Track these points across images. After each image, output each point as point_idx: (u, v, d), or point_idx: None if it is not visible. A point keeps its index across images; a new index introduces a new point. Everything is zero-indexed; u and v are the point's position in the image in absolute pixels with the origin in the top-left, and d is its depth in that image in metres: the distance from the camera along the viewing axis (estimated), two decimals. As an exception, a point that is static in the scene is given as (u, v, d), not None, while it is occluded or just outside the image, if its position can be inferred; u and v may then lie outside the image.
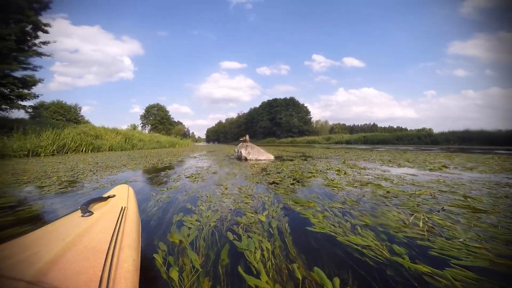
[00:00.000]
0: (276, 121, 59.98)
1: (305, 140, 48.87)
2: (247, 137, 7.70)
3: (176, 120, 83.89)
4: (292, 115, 59.72)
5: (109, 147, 15.25)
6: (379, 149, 14.35)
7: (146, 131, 51.55)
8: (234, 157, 7.65)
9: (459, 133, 32.03)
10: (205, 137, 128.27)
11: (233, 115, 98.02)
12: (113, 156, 8.89)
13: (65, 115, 39.95)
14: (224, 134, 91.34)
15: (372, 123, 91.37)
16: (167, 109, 59.31)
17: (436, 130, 39.05)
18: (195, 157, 8.42)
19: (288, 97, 62.46)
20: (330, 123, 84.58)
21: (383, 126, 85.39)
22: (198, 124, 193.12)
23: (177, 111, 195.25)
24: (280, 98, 63.20)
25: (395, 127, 79.66)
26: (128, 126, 35.90)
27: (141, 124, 57.34)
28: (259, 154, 7.05)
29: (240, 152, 7.17)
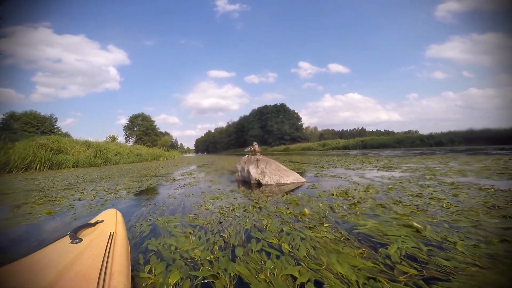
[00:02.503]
0: (268, 129, 57.73)
1: (299, 147, 46.58)
2: (256, 146, 4.94)
3: (163, 131, 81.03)
4: (284, 122, 57.74)
5: (73, 163, 13.14)
6: (388, 154, 12.05)
7: (131, 143, 48.36)
8: (237, 178, 4.80)
9: (463, 133, 30.55)
10: (194, 148, 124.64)
11: (223, 124, 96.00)
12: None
13: (38, 126, 36.32)
14: (213, 144, 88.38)
15: (360, 128, 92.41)
16: (152, 119, 55.91)
17: (422, 132, 39.04)
18: (174, 179, 5.50)
19: (278, 104, 60.52)
20: (319, 129, 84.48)
21: (371, 130, 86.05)
22: (187, 134, 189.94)
23: (165, 121, 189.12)
24: (270, 105, 61.29)
25: (382, 130, 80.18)
26: (106, 137, 32.46)
27: (125, 136, 53.55)
28: (280, 173, 4.25)
29: (248, 170, 4.34)
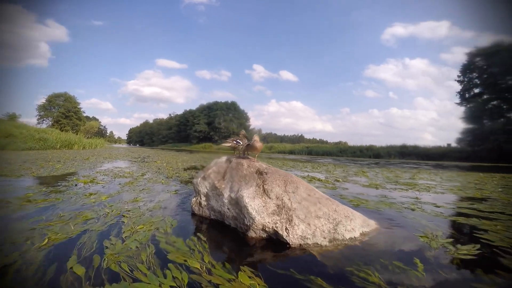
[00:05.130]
0: (215, 126, 54.04)
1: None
2: (257, 140, 2.11)
3: (91, 116, 68.68)
4: (233, 121, 54.96)
5: None
6: (347, 164, 10.92)
7: (44, 126, 38.40)
8: (196, 210, 1.95)
9: (398, 148, 33.03)
10: (126, 138, 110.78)
11: (164, 116, 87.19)
12: None
13: None
14: (150, 135, 79.43)
15: (299, 134, 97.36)
16: (78, 101, 46.28)
17: (350, 144, 42.18)
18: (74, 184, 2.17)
19: (230, 102, 57.66)
20: (263, 132, 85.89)
21: (308, 138, 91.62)
22: (121, 123, 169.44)
23: (96, 106, 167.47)
24: (221, 102, 57.75)
25: (317, 139, 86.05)
26: (2, 115, 24.34)
27: (38, 117, 42.62)
28: (329, 210, 1.63)
29: (238, 198, 1.63)
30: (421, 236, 1.79)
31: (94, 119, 66.90)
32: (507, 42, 23.87)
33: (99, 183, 3.66)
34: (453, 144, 30.57)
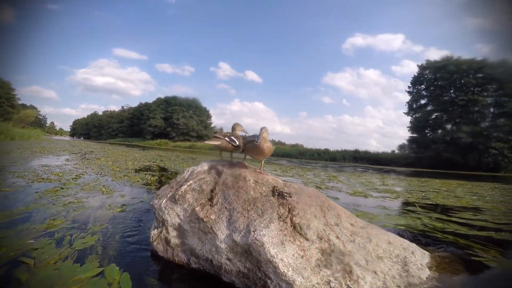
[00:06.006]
0: (173, 122, 50.97)
1: (207, 146, 43.07)
2: (265, 135, 1.27)
3: (29, 104, 59.15)
4: (193, 118, 52.59)
5: None
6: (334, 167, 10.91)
7: None
8: (161, 240, 1.33)
9: (351, 152, 35.00)
10: (70, 130, 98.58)
11: (115, 108, 79.38)
12: None
13: None
14: (98, 128, 71.78)
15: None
16: (13, 87, 39.67)
17: (306, 146, 43.14)
18: None
19: (191, 97, 55.17)
20: (225, 131, 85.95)
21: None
22: (64, 113, 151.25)
23: (38, 94, 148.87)
24: (181, 97, 54.79)
25: (276, 140, 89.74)
26: None
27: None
28: (372, 245, 0.96)
29: (249, 236, 1.08)
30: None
31: (32, 107, 57.91)
32: (454, 57, 26.77)
33: (2, 191, 2.45)
34: (396, 151, 33.91)
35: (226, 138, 1.59)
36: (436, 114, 27.61)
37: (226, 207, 1.13)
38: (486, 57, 24.82)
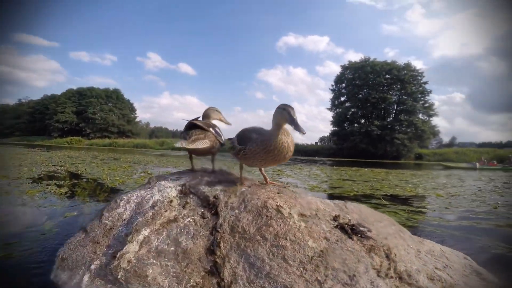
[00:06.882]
0: (87, 116, 43.80)
1: (132, 143, 38.39)
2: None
3: None
4: (113, 111, 46.30)
5: None
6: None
7: None
8: None
9: (301, 146, 37.18)
10: None
11: (11, 102, 63.24)
12: None
13: None
14: (-21, 126, 56.34)
15: None
16: None
17: None
18: None
19: (111, 88, 48.41)
20: (151, 125, 79.28)
21: None
22: None
23: None
24: (99, 88, 47.37)
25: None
26: None
27: None
28: None
29: None
30: None
31: None
32: (371, 59, 30.80)
33: None
34: (318, 143, 38.25)
35: (211, 129, 0.95)
36: (353, 110, 31.59)
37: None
38: (394, 60, 29.60)
